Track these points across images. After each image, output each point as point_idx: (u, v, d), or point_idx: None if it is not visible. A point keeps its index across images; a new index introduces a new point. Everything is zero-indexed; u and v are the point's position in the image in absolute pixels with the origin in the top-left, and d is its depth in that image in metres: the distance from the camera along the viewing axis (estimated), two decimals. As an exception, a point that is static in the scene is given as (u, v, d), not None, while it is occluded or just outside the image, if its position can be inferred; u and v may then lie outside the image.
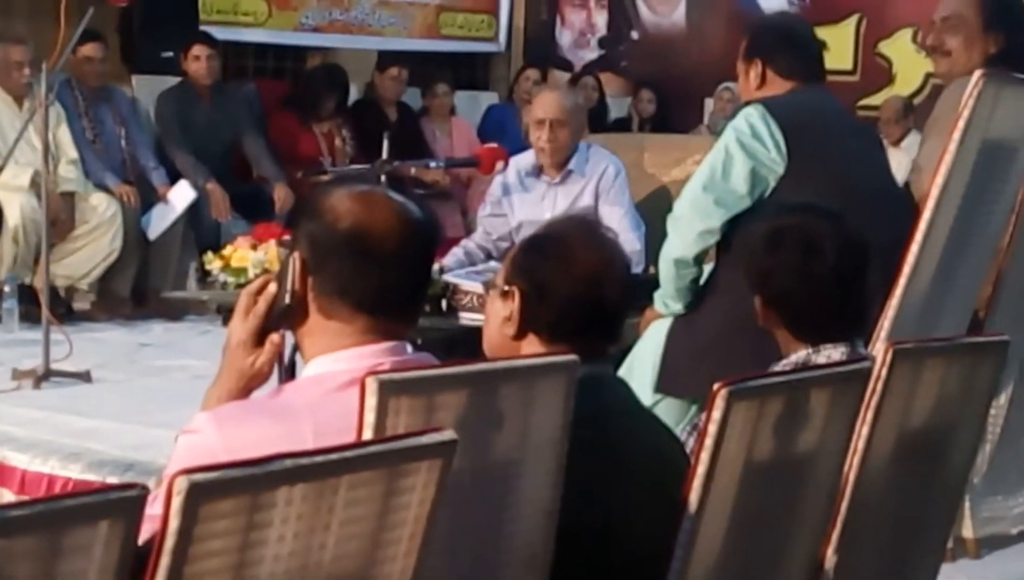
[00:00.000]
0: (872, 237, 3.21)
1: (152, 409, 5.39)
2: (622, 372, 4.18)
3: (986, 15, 4.49)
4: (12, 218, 7.42)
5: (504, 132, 9.64)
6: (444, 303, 5.02)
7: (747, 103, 4.47)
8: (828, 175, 4.26)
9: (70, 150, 7.81)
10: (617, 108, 11.24)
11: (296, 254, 2.35)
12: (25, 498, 4.32)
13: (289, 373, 2.51)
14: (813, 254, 3.07)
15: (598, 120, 9.96)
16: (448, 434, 1.99)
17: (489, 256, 6.26)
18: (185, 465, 1.80)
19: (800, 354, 3.09)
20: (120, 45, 9.14)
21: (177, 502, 1.68)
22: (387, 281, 2.32)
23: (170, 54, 8.82)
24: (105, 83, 8.27)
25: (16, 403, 5.46)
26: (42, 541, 1.53)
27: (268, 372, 2.42)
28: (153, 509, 1.72)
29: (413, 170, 7.22)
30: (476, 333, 2.86)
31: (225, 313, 7.19)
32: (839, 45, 10.49)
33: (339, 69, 9.53)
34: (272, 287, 2.38)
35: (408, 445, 1.95)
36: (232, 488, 1.74)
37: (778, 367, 3.06)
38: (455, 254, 6.09)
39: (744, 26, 4.86)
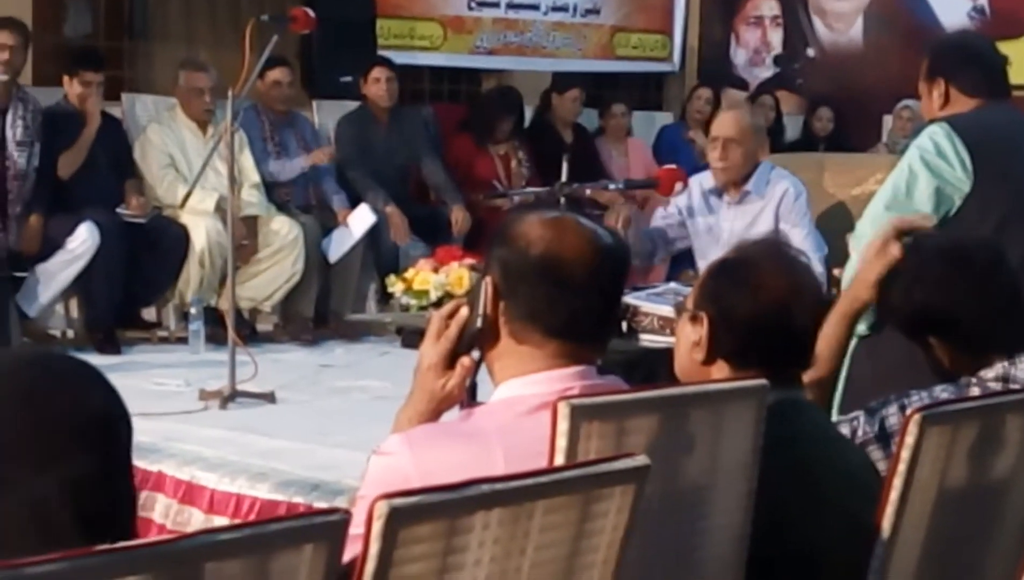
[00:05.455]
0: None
1: (334, 429, 5.48)
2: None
3: None
4: (198, 242, 7.54)
5: (677, 152, 9.60)
6: (624, 324, 5.02)
7: (931, 122, 4.41)
8: (1015, 192, 4.19)
9: (252, 174, 7.93)
10: (792, 126, 11.14)
11: (488, 279, 2.37)
12: (221, 519, 4.42)
13: (470, 395, 2.52)
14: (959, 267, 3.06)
15: (775, 139, 9.88)
16: (641, 459, 2.00)
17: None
18: (379, 487, 1.82)
19: (996, 367, 3.00)
20: (300, 71, 9.28)
21: (377, 526, 1.71)
22: (578, 307, 2.33)
23: (349, 79, 8.93)
24: (290, 108, 8.40)
25: (204, 423, 5.56)
26: (250, 564, 1.57)
27: (459, 395, 2.44)
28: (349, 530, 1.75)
29: (589, 191, 7.23)
30: (656, 354, 2.86)
31: (405, 334, 7.28)
32: (1022, 59, 10.28)
33: (514, 91, 9.55)
34: (464, 311, 2.40)
35: (602, 470, 1.95)
36: (431, 513, 1.76)
37: (974, 379, 2.98)
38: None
39: (924, 45, 4.79)
